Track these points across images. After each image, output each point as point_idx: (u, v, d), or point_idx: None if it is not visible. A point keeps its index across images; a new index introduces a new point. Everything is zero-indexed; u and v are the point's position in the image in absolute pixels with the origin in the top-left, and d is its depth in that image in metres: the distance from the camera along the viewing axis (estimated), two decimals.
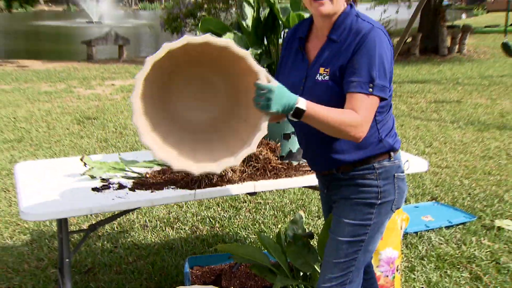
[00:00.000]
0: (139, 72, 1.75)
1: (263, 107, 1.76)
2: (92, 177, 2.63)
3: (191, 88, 2.03)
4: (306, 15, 2.86)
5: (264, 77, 1.78)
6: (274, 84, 1.77)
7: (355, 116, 1.82)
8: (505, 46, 8.74)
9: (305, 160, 2.83)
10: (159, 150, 1.84)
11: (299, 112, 1.78)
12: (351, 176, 2.02)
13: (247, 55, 1.79)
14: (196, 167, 1.88)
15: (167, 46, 1.74)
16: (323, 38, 1.99)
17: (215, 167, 1.88)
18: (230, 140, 1.97)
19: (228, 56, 1.82)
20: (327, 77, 1.92)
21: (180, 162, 1.87)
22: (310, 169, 2.69)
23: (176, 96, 2.03)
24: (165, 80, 1.96)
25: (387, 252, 2.83)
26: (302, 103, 1.78)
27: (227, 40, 1.77)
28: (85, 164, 2.74)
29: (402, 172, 2.07)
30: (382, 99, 1.89)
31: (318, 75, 1.94)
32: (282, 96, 1.75)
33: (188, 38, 1.74)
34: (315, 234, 3.67)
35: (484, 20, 27.22)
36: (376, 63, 1.84)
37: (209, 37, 1.76)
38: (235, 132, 1.98)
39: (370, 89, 1.84)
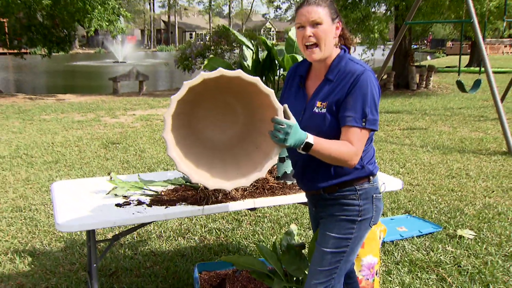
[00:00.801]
0: (176, 94, 1.70)
1: (280, 141, 1.73)
2: (116, 193, 2.62)
3: (216, 110, 1.95)
4: (299, 57, 2.87)
5: (282, 114, 1.74)
6: (293, 121, 1.74)
7: (350, 147, 1.82)
8: (459, 84, 8.79)
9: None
10: (181, 162, 1.78)
11: (308, 146, 1.76)
12: (336, 196, 1.99)
13: (271, 93, 1.74)
14: (212, 182, 1.82)
15: (203, 75, 1.68)
16: (321, 77, 1.97)
17: (228, 185, 1.82)
18: (242, 162, 1.91)
19: (253, 90, 1.77)
20: (323, 110, 1.90)
21: (199, 175, 1.82)
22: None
23: (201, 115, 1.95)
24: (194, 99, 1.88)
25: (368, 258, 2.80)
26: (310, 138, 1.76)
27: (256, 78, 1.73)
28: (111, 178, 2.78)
29: (379, 193, 2.05)
30: (372, 130, 1.89)
31: (315, 107, 1.92)
32: (297, 131, 1.73)
33: (222, 71, 1.69)
34: (306, 244, 3.64)
35: (444, 61, 27.46)
36: (368, 100, 1.83)
37: (241, 73, 1.71)
38: (248, 156, 1.91)
39: (363, 123, 1.83)
